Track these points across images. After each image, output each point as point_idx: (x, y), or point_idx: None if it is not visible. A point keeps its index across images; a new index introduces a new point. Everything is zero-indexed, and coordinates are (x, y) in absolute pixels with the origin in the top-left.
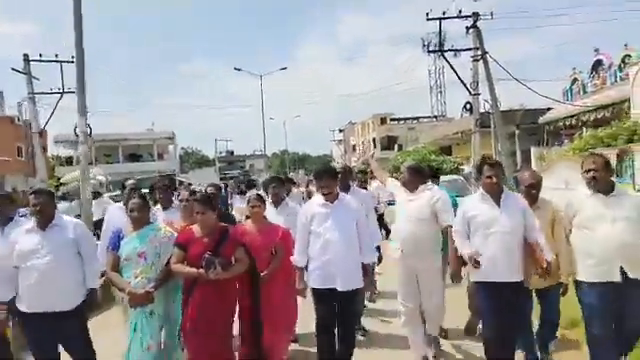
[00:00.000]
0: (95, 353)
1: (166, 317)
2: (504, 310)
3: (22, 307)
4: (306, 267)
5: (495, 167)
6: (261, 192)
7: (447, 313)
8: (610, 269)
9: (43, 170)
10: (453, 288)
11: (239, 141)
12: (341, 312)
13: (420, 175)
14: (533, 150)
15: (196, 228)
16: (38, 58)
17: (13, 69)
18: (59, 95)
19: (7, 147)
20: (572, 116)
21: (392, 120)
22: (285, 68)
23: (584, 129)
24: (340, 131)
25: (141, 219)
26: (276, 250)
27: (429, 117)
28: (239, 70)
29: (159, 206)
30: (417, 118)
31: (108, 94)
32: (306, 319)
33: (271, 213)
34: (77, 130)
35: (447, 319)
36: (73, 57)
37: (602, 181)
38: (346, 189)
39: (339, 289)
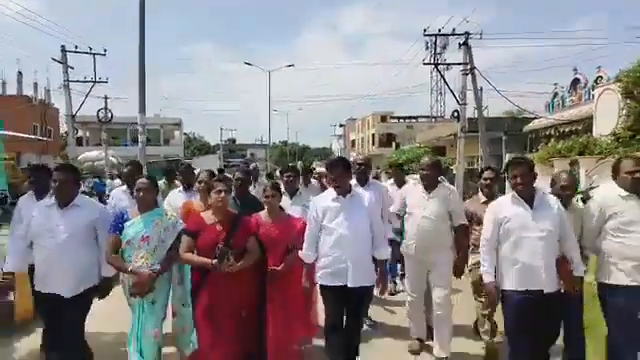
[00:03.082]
0: (86, 346)
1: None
2: (535, 323)
3: (37, 285)
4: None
5: (521, 165)
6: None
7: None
8: None
9: (73, 149)
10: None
11: (241, 130)
12: (350, 309)
13: (439, 170)
14: (507, 156)
15: (206, 214)
16: (74, 50)
17: (53, 59)
18: (91, 83)
19: (25, 125)
20: (552, 126)
21: (392, 118)
22: (292, 65)
23: (552, 140)
24: (341, 126)
25: (148, 201)
26: (294, 244)
27: (427, 117)
28: (249, 65)
29: (180, 188)
30: (416, 117)
31: (121, 81)
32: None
33: (286, 205)
34: (138, 124)
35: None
36: (105, 50)
37: None
38: (364, 182)
39: (350, 285)
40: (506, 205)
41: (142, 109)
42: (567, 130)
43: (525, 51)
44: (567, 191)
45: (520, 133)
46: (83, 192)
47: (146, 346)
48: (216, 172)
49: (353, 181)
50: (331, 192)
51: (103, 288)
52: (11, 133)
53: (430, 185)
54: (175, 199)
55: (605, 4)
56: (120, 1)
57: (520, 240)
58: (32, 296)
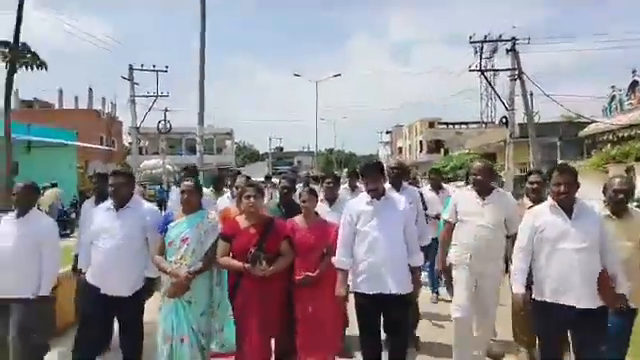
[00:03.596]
0: (143, 341)
1: (206, 306)
2: (567, 340)
3: (90, 278)
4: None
5: (565, 173)
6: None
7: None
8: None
9: (135, 157)
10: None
11: (289, 138)
12: (389, 322)
13: (492, 175)
14: (559, 162)
15: (240, 218)
16: (139, 67)
17: (122, 77)
18: (154, 98)
19: (93, 136)
20: (609, 131)
21: (440, 124)
22: (339, 75)
23: (609, 145)
24: (387, 133)
25: (192, 203)
26: (328, 251)
27: (477, 122)
28: (298, 76)
29: (229, 193)
30: (466, 123)
31: (177, 93)
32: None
33: (323, 211)
34: (197, 134)
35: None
36: (167, 67)
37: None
38: (398, 187)
39: (388, 293)
40: (544, 213)
41: (201, 122)
42: (626, 135)
43: (581, 53)
44: (620, 195)
45: (576, 138)
46: (148, 199)
47: (176, 348)
48: (263, 179)
49: (387, 185)
50: (365, 196)
51: (149, 289)
52: (82, 144)
53: (484, 191)
54: (223, 204)
55: None
56: (178, 19)
57: (556, 251)
58: (75, 300)
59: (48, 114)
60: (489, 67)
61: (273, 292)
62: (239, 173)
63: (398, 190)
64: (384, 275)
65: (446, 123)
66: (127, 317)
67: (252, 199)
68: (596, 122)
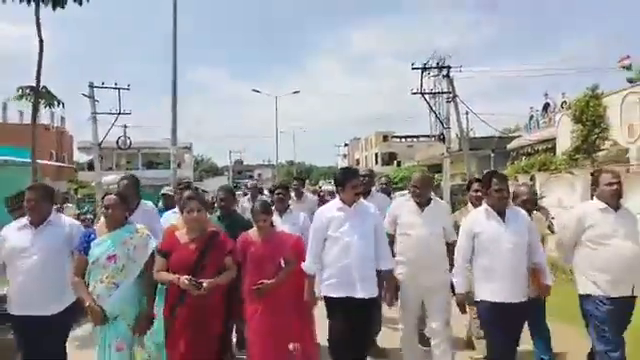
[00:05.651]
0: None
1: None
2: (510, 332)
3: (10, 308)
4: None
5: (505, 180)
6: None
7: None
8: (625, 284)
9: (98, 174)
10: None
11: (249, 151)
12: (358, 323)
13: (432, 186)
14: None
15: (180, 233)
16: (100, 85)
17: (83, 94)
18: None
19: (43, 152)
20: (528, 145)
21: (393, 137)
22: (298, 92)
23: (526, 157)
24: (345, 145)
25: (116, 218)
26: (286, 262)
27: (427, 136)
28: (257, 92)
29: (177, 208)
30: (417, 136)
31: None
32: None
33: (275, 222)
34: (171, 153)
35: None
36: (128, 85)
37: (621, 195)
38: (367, 194)
39: (358, 296)
40: (480, 218)
41: (174, 142)
42: (541, 148)
43: (517, 73)
44: (528, 205)
45: (505, 150)
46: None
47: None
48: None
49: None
50: (336, 203)
51: (80, 307)
52: (41, 161)
53: (423, 202)
54: (170, 219)
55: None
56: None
57: (492, 252)
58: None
59: None
60: (437, 84)
61: (213, 308)
62: (188, 187)
63: (366, 197)
64: (356, 278)
65: (399, 137)
66: (49, 339)
67: (195, 213)
68: (517, 137)
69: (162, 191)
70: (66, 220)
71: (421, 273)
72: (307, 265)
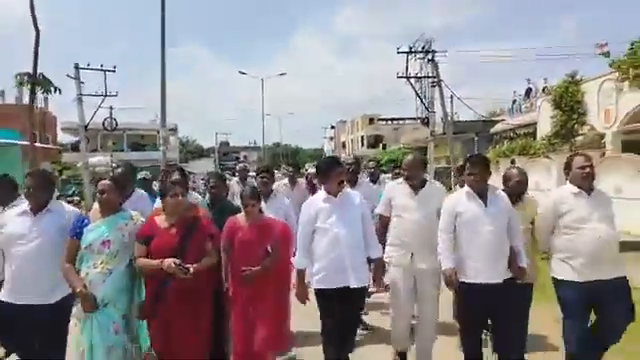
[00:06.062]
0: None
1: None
2: (490, 312)
3: (5, 295)
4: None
5: (478, 164)
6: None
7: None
8: (599, 268)
9: (83, 155)
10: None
11: (235, 133)
12: (347, 313)
13: (422, 168)
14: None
15: (160, 218)
16: (86, 66)
17: (68, 75)
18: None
19: (26, 133)
20: (510, 129)
21: (380, 120)
22: (284, 74)
23: (507, 141)
24: (332, 128)
25: (110, 203)
26: (272, 248)
27: (413, 119)
28: (244, 74)
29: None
30: (403, 119)
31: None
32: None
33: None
34: (160, 135)
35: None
36: (114, 67)
37: (593, 178)
38: (354, 183)
39: (353, 286)
40: (461, 199)
41: (163, 124)
42: (522, 132)
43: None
44: (520, 188)
45: (489, 134)
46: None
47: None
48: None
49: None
50: (321, 194)
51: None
52: (26, 143)
53: (417, 184)
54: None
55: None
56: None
57: (473, 234)
58: None
59: None
60: (423, 67)
61: (200, 292)
62: (176, 170)
63: (354, 186)
64: (346, 269)
65: (385, 119)
66: (50, 329)
67: (180, 197)
68: (501, 121)
69: (139, 175)
70: (66, 207)
71: (415, 256)
72: (297, 260)
